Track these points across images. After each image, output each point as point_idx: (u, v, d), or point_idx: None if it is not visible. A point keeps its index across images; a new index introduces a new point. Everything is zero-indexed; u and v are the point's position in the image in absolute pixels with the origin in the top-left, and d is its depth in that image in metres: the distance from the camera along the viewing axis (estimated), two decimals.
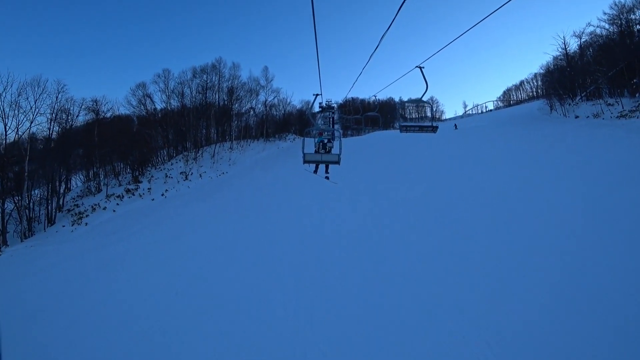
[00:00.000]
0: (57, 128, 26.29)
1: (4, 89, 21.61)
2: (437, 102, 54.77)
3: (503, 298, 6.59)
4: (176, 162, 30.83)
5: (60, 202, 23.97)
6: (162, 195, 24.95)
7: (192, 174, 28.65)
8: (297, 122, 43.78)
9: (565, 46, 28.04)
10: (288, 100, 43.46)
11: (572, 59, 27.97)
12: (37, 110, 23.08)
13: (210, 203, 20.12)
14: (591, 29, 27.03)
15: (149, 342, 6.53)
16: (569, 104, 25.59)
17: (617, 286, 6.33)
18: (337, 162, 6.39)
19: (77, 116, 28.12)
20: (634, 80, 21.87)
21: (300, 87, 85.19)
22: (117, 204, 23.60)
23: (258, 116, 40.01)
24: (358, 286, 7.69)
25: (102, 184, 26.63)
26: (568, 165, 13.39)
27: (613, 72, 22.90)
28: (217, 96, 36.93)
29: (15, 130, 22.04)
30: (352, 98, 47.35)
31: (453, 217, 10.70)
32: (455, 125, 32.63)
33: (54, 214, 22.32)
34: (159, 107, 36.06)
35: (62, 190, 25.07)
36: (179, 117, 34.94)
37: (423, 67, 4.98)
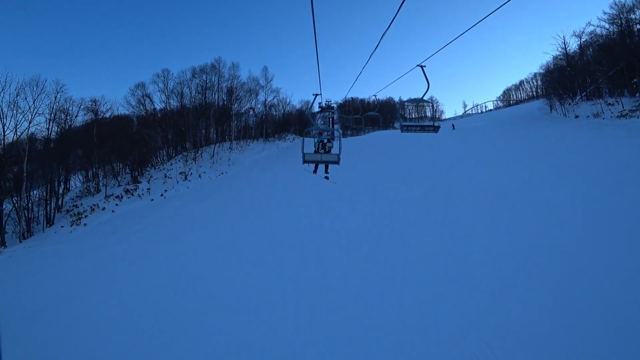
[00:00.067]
0: (56, 128, 26.27)
1: (2, 89, 21.60)
2: (437, 102, 54.76)
3: (503, 298, 6.57)
4: (175, 163, 30.78)
5: (59, 203, 23.91)
6: (162, 195, 24.90)
7: (191, 174, 28.61)
8: (297, 122, 43.75)
9: (565, 46, 28.05)
10: (287, 100, 43.52)
11: (572, 58, 27.96)
12: (35, 110, 23.06)
13: (209, 203, 20.08)
14: (591, 28, 27.06)
15: (149, 342, 6.52)
16: (569, 104, 25.58)
17: (618, 286, 6.31)
18: (337, 162, 6.38)
19: (75, 116, 28.10)
20: (634, 80, 21.86)
21: (300, 87, 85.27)
22: (116, 205, 23.55)
23: (257, 116, 40.00)
24: (358, 286, 7.68)
25: (101, 184, 26.58)
26: (568, 165, 13.37)
27: (613, 72, 22.89)
28: (216, 96, 36.91)
29: (14, 130, 22.02)
30: (352, 98, 47.37)
31: (453, 217, 10.68)
32: (452, 125, 32.58)
33: (52, 214, 22.26)
34: (158, 107, 36.08)
35: (61, 191, 25.02)
36: (178, 117, 34.90)
37: (424, 66, 4.95)
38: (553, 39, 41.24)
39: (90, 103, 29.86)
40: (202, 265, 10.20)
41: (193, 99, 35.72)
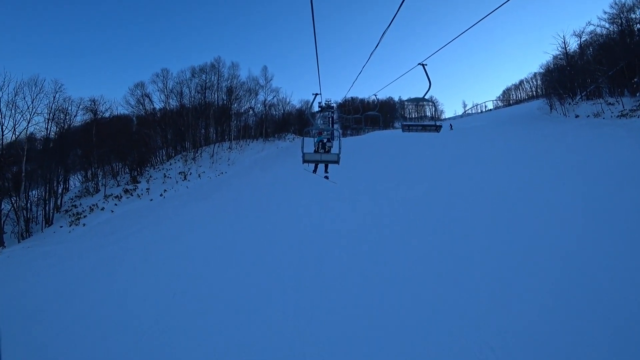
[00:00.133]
0: (55, 128, 26.20)
1: (0, 89, 21.51)
2: (437, 102, 54.73)
3: (503, 298, 6.56)
4: (175, 162, 30.73)
5: (58, 203, 23.86)
6: (161, 195, 24.86)
7: (190, 174, 28.56)
8: (297, 121, 43.71)
9: (565, 45, 28.00)
10: (287, 100, 43.43)
11: (572, 58, 27.92)
12: (34, 110, 22.97)
13: (209, 203, 20.05)
14: (591, 28, 27.03)
15: (149, 342, 6.52)
16: (569, 104, 25.56)
17: (618, 286, 6.31)
18: (337, 162, 6.38)
19: (74, 116, 28.02)
20: (635, 80, 21.84)
21: (300, 87, 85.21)
22: (115, 205, 23.50)
23: (257, 116, 39.92)
24: (358, 286, 7.66)
25: (100, 184, 26.53)
26: (568, 165, 13.35)
27: (613, 71, 22.87)
28: (216, 96, 36.85)
29: (12, 130, 21.95)
30: (352, 98, 47.34)
31: (453, 217, 10.66)
32: (450, 125, 32.49)
33: (51, 214, 22.20)
34: (157, 107, 36.02)
35: (60, 191, 24.96)
36: (178, 117, 34.84)
37: (426, 65, 4.92)
38: (553, 39, 41.34)
39: (89, 103, 29.83)
40: (201, 265, 10.18)
41: (192, 99, 35.70)
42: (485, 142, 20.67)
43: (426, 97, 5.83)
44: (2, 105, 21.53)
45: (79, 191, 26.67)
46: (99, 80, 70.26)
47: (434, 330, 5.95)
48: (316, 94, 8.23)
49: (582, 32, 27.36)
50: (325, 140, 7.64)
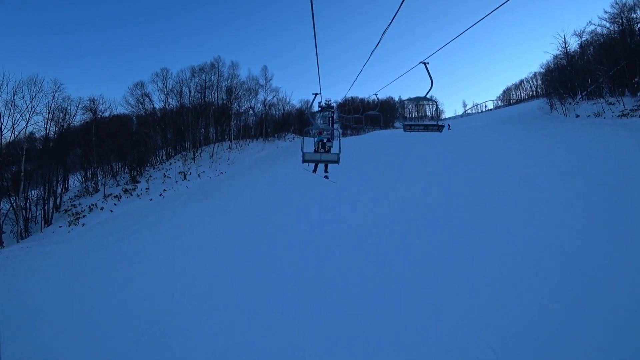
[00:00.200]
0: (54, 127, 26.13)
1: None
2: (437, 101, 54.45)
3: (504, 298, 6.55)
4: (174, 162, 30.68)
5: (58, 202, 23.80)
6: (160, 195, 24.80)
7: (190, 173, 28.51)
8: (297, 121, 43.65)
9: (565, 45, 27.93)
10: (287, 100, 43.37)
11: (573, 57, 27.85)
12: (33, 109, 22.89)
13: (209, 203, 20.02)
14: (592, 27, 26.93)
15: (148, 342, 6.50)
16: (570, 103, 25.49)
17: (619, 287, 6.29)
18: (337, 162, 6.37)
19: (74, 115, 27.94)
20: (635, 79, 21.77)
21: (300, 87, 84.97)
22: (115, 204, 23.45)
23: (257, 115, 39.86)
24: (358, 286, 7.64)
25: (99, 184, 26.47)
26: (569, 165, 13.31)
27: (614, 71, 22.80)
28: (215, 95, 36.78)
29: (11, 129, 21.88)
30: (352, 97, 47.28)
31: (453, 217, 10.63)
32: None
33: (50, 214, 22.14)
34: (157, 107, 35.95)
35: (59, 190, 24.90)
36: (178, 117, 34.78)
37: (427, 63, 4.86)
38: (553, 38, 41.00)
39: (88, 102, 29.75)
40: (201, 265, 10.15)
41: (192, 98, 35.63)
42: (485, 142, 20.62)
43: (428, 96, 5.79)
44: (0, 104, 21.51)
45: (78, 191, 26.61)
46: (99, 79, 70.19)
47: (434, 331, 5.94)
48: (316, 94, 8.22)
49: (583, 31, 27.30)
50: (325, 140, 7.64)
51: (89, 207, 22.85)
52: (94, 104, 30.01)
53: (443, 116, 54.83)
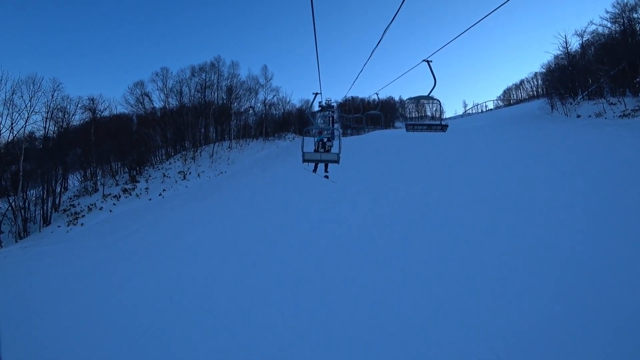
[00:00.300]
0: (54, 127, 26.05)
1: None
2: (440, 101, 54.24)
3: (505, 299, 6.52)
4: (174, 162, 30.61)
5: (57, 202, 23.71)
6: (160, 195, 24.73)
7: (190, 173, 28.44)
8: (297, 121, 43.57)
9: (566, 45, 27.84)
10: (287, 99, 43.27)
11: (574, 57, 27.76)
12: (32, 108, 22.79)
13: (208, 203, 19.97)
14: (593, 27, 26.85)
15: (148, 342, 6.47)
16: (571, 103, 25.41)
17: (621, 288, 6.28)
18: (337, 161, 6.37)
19: (73, 115, 27.85)
20: (637, 79, 21.69)
21: (300, 86, 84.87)
22: (114, 204, 23.37)
23: (257, 115, 39.78)
24: (358, 287, 7.61)
25: (99, 183, 26.39)
26: (570, 165, 13.26)
27: (615, 71, 22.72)
28: (215, 95, 36.70)
29: (10, 129, 21.79)
30: (352, 97, 47.22)
31: (454, 217, 10.58)
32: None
33: (49, 214, 22.06)
34: (157, 106, 35.87)
35: (58, 190, 24.81)
36: (178, 116, 34.70)
37: (430, 61, 4.79)
38: (554, 38, 40.70)
39: (88, 101, 29.65)
40: (201, 265, 10.11)
41: (192, 98, 35.54)
42: (486, 142, 20.57)
43: (430, 95, 5.72)
44: None
45: (77, 190, 26.52)
46: (98, 79, 69.97)
47: (434, 331, 5.92)
48: (316, 94, 8.19)
49: (584, 31, 27.22)
50: (325, 140, 7.64)
51: (88, 206, 22.77)
52: (93, 104, 29.94)
53: (443, 116, 54.78)
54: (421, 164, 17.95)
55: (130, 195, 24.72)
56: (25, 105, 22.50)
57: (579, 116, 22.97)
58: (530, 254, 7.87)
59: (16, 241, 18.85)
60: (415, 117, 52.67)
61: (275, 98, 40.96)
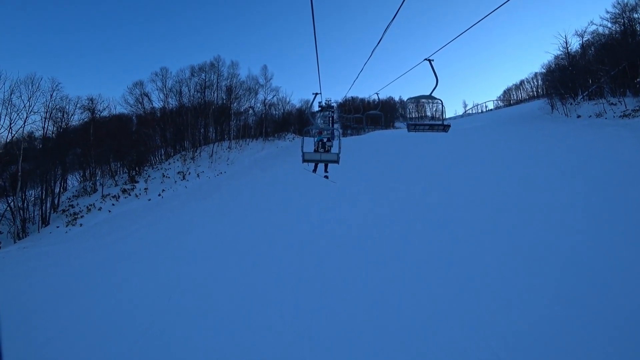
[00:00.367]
0: (53, 127, 25.99)
1: None
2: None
3: (505, 300, 6.51)
4: (174, 162, 30.57)
5: (56, 202, 23.66)
6: (159, 195, 24.69)
7: (189, 173, 28.40)
8: (297, 121, 43.57)
9: (567, 45, 27.86)
10: (287, 100, 43.25)
11: (574, 58, 27.77)
12: (30, 108, 22.75)
13: (208, 203, 19.94)
14: (593, 27, 26.89)
15: (148, 342, 6.45)
16: (571, 104, 25.41)
17: (622, 288, 6.26)
18: (337, 162, 6.35)
19: (72, 115, 27.79)
20: (637, 80, 21.70)
21: (300, 86, 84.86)
22: (113, 205, 23.33)
23: (257, 115, 39.77)
24: (358, 287, 7.59)
25: (98, 183, 26.34)
26: (570, 165, 13.24)
27: (615, 71, 22.73)
28: (215, 95, 36.67)
29: (9, 129, 21.74)
30: (352, 97, 47.22)
31: (454, 218, 10.57)
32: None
33: (48, 214, 22.01)
34: (156, 106, 35.83)
35: (57, 190, 24.76)
36: (177, 116, 34.67)
37: (432, 60, 4.76)
38: (554, 38, 40.75)
39: (87, 101, 29.60)
40: (200, 265, 10.08)
41: (192, 98, 35.51)
42: (486, 142, 20.56)
43: (433, 94, 5.69)
44: None
45: (76, 191, 26.48)
46: (98, 79, 69.82)
47: (434, 331, 5.91)
48: (316, 94, 8.18)
49: (584, 31, 27.25)
50: (325, 140, 7.63)
51: (87, 207, 22.72)
52: (92, 104, 29.89)
53: (443, 116, 54.57)
54: (421, 164, 17.93)
55: (130, 195, 24.68)
56: (24, 105, 22.49)
57: (579, 116, 22.97)
58: (531, 254, 7.85)
59: (15, 242, 18.80)
60: (415, 117, 52.66)
61: (275, 98, 40.99)
